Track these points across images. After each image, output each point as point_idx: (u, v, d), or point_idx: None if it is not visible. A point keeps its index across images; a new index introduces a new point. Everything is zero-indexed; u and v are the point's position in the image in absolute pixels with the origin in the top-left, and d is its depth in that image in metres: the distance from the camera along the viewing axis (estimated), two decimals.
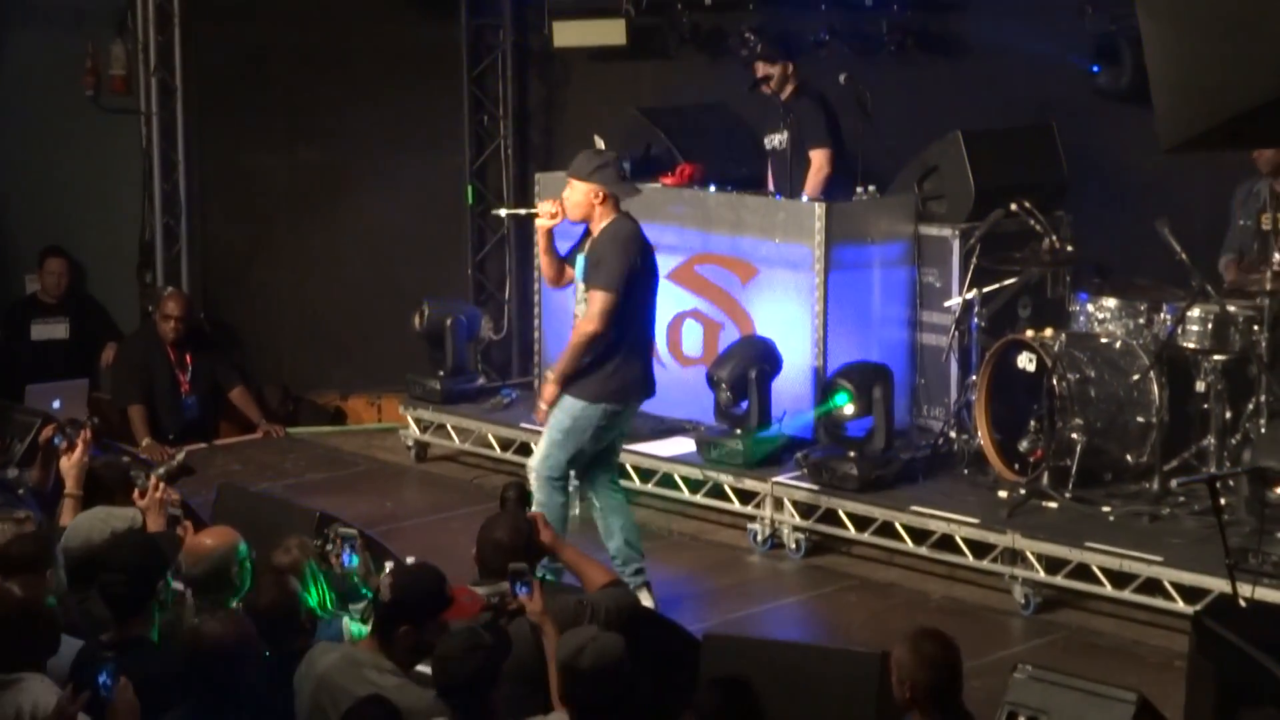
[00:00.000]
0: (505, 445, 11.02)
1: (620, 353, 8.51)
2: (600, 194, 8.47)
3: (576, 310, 8.70)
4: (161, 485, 7.46)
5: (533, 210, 8.90)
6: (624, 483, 10.30)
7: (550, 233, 8.70)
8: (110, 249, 12.87)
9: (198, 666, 5.75)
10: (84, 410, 9.91)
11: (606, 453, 8.80)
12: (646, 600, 8.54)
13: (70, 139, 12.73)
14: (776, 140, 10.67)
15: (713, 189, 10.80)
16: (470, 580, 6.89)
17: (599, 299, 8.40)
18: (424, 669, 6.05)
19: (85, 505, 7.39)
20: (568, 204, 8.56)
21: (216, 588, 6.66)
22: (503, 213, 8.89)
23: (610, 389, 8.53)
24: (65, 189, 12.76)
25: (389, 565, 7.06)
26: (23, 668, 5.80)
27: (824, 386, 9.83)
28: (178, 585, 6.60)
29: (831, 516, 9.63)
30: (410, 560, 7.29)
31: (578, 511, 9.32)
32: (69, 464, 7.79)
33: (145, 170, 12.63)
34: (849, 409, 9.61)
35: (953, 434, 9.94)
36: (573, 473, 8.80)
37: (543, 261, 8.88)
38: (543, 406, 8.61)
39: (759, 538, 9.85)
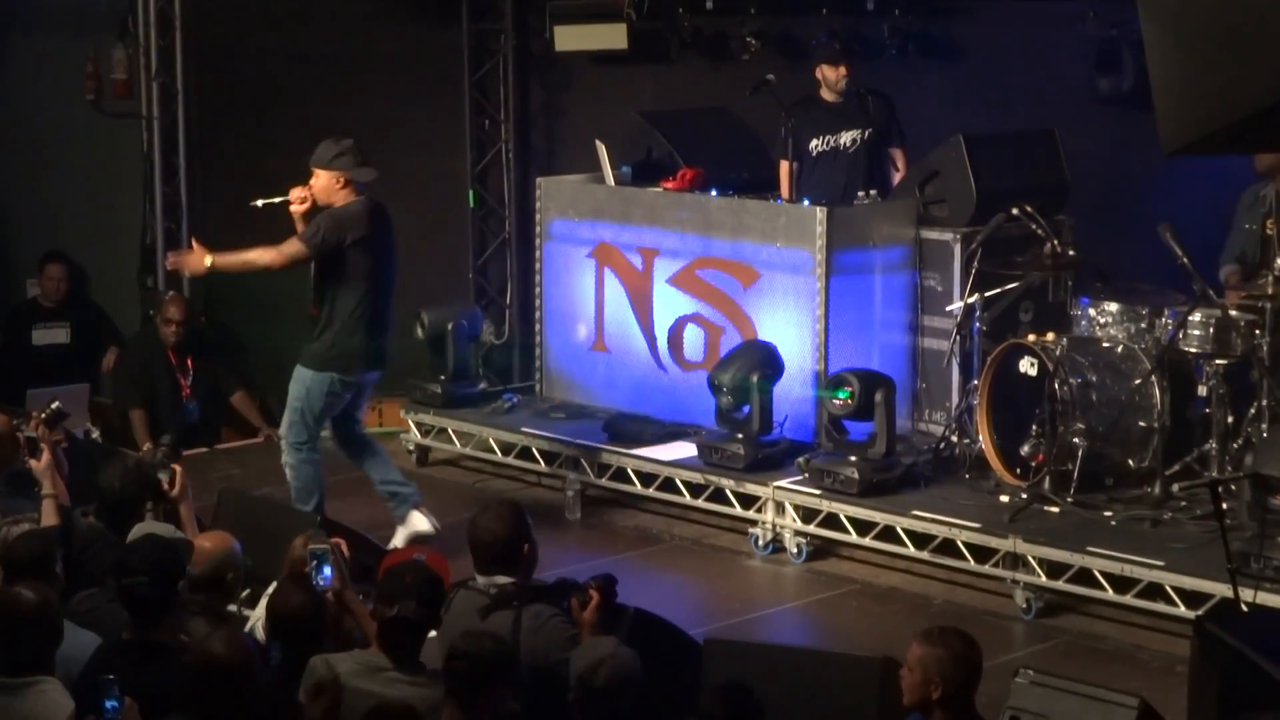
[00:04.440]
0: (507, 450, 11.02)
1: (338, 325, 9.28)
2: (342, 179, 9.26)
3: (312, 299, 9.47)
4: (183, 472, 7.58)
5: (285, 199, 9.44)
6: (626, 487, 10.35)
7: (304, 216, 9.36)
8: (111, 253, 12.87)
9: (200, 685, 5.75)
10: (84, 415, 9.93)
11: (346, 417, 9.61)
12: (422, 520, 9.47)
13: (71, 143, 12.73)
14: (845, 139, 10.66)
15: (714, 193, 10.79)
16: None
17: (292, 244, 9.27)
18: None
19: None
20: (315, 190, 9.33)
21: (213, 590, 6.66)
22: (259, 203, 9.39)
23: (331, 359, 9.32)
24: (66, 193, 12.76)
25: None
26: (36, 670, 5.82)
27: (833, 380, 9.77)
28: None
29: (833, 521, 9.62)
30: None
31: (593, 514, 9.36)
32: (40, 466, 7.79)
33: (146, 175, 12.62)
34: (844, 403, 9.59)
35: (954, 438, 9.94)
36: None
37: None
38: (178, 261, 9.67)
39: (760, 542, 9.84)
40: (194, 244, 9.56)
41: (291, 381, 9.49)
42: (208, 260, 9.37)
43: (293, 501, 9.40)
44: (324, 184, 9.29)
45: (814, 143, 10.75)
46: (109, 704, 5.39)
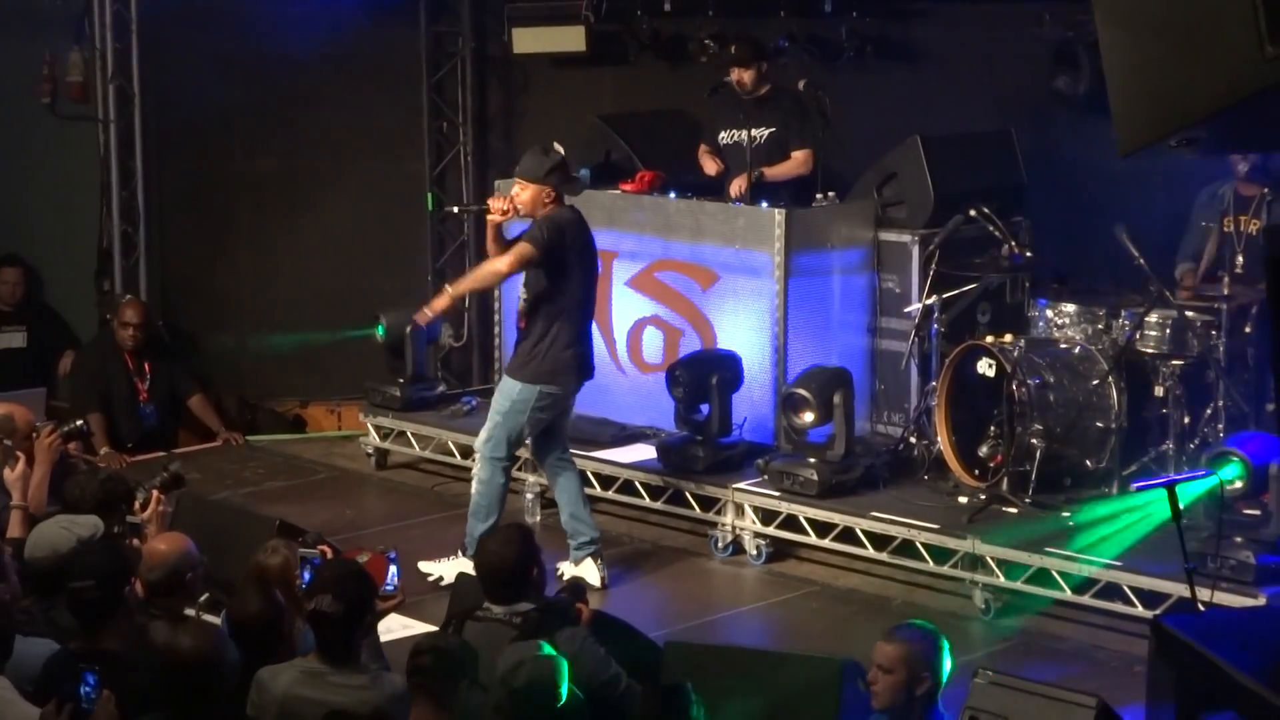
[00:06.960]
0: (466, 452, 10.98)
1: (552, 335, 9.00)
2: (551, 195, 9.02)
3: (521, 308, 9.18)
4: (162, 498, 7.56)
5: (484, 207, 9.26)
6: (585, 490, 10.31)
7: (499, 226, 9.13)
8: (68, 257, 12.81)
9: (172, 678, 5.72)
10: (42, 419, 9.86)
11: (550, 433, 9.27)
12: (592, 571, 9.16)
13: (27, 146, 12.67)
14: (743, 135, 10.64)
15: (673, 195, 10.79)
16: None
17: (521, 247, 8.94)
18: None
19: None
20: (519, 201, 9.04)
21: (170, 592, 6.64)
22: (455, 209, 9.23)
23: (544, 371, 9.03)
24: (22, 196, 12.71)
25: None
26: None
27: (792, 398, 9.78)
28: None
29: (792, 522, 9.63)
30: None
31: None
32: (12, 476, 7.75)
33: (103, 178, 12.56)
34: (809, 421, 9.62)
35: (913, 440, 9.96)
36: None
37: (490, 251, 9.27)
38: (426, 312, 9.25)
39: (720, 544, 9.84)
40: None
41: (496, 392, 9.17)
42: (448, 288, 9.16)
43: (469, 514, 9.16)
44: (532, 197, 8.98)
45: (721, 135, 10.79)
46: (85, 687, 5.37)
